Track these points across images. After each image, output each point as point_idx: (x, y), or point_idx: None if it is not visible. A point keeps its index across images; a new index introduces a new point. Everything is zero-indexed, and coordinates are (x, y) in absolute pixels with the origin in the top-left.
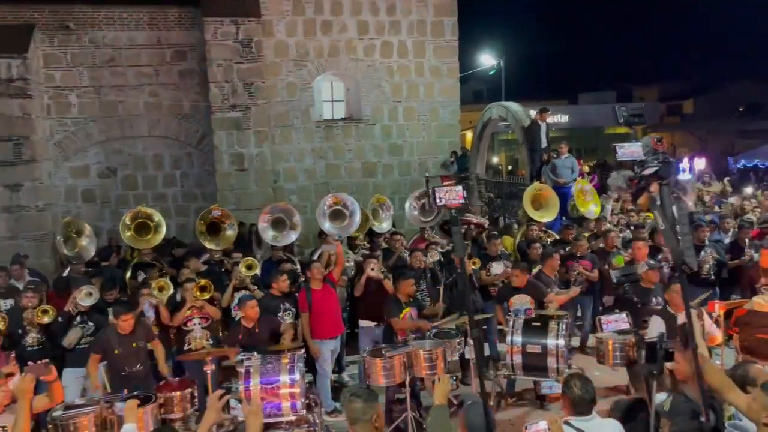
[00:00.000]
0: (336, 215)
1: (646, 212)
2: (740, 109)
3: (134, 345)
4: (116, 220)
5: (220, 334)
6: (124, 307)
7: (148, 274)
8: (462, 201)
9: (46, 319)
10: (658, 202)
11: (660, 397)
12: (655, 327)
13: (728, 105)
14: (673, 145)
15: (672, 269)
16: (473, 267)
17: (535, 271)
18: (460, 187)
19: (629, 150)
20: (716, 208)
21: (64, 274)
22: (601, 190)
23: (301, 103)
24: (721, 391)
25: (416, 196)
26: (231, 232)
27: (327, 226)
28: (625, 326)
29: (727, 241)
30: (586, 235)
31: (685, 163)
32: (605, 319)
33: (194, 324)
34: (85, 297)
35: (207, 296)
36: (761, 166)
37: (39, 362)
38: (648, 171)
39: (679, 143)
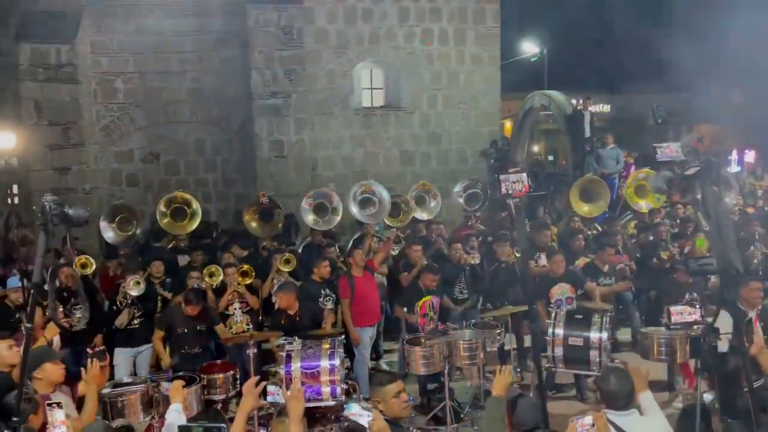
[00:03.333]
0: (365, 203)
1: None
2: None
3: (198, 328)
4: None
5: (260, 319)
6: (196, 297)
7: (191, 258)
8: (527, 191)
9: (135, 292)
10: (701, 204)
11: (708, 397)
12: (723, 323)
13: None
14: (719, 140)
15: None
16: (515, 256)
17: (579, 263)
18: (525, 176)
19: (668, 150)
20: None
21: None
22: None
23: (341, 91)
24: None
25: (464, 185)
26: (279, 221)
27: (356, 212)
28: (693, 318)
29: None
30: (631, 225)
31: (733, 156)
32: (675, 309)
33: (234, 309)
34: (133, 286)
35: (248, 281)
36: None
37: (97, 348)
38: (689, 172)
39: (728, 134)
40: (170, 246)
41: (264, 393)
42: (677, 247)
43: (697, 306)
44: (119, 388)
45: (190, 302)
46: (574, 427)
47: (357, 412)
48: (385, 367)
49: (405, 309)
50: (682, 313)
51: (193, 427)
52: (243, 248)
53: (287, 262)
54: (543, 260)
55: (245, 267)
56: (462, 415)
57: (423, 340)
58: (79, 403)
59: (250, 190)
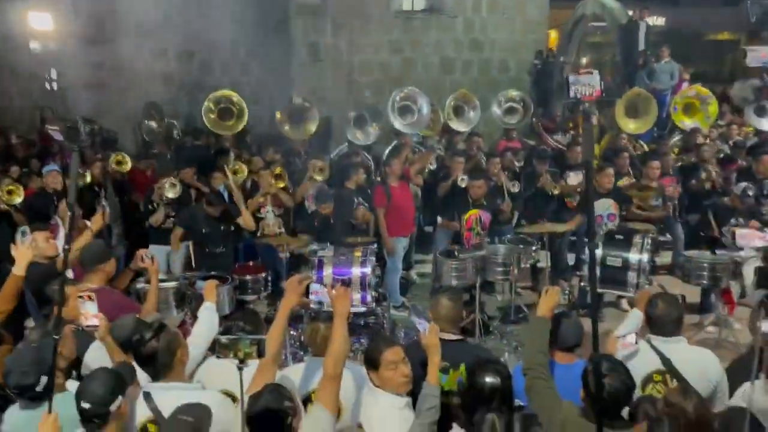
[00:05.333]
0: (404, 111)
1: (748, 127)
2: None
3: (221, 227)
4: (193, 105)
5: (292, 224)
6: (216, 199)
7: (225, 159)
8: (600, 95)
9: (171, 194)
10: None
11: (765, 326)
12: None
13: None
14: None
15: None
16: (553, 187)
17: (622, 183)
18: (598, 77)
19: (762, 54)
20: None
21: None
22: None
23: None
24: None
25: (506, 96)
26: (312, 124)
27: (397, 123)
28: (762, 243)
29: None
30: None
31: None
32: (741, 232)
33: (267, 211)
34: (169, 188)
35: (282, 185)
36: None
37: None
38: None
39: None
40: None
41: (307, 291)
42: (727, 171)
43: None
44: None
45: (210, 204)
46: (615, 344)
47: (417, 320)
48: (415, 277)
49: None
50: (748, 236)
51: (238, 340)
52: (277, 152)
53: (321, 170)
54: (572, 179)
55: (278, 170)
56: (490, 329)
57: (456, 253)
58: None
59: (285, 94)
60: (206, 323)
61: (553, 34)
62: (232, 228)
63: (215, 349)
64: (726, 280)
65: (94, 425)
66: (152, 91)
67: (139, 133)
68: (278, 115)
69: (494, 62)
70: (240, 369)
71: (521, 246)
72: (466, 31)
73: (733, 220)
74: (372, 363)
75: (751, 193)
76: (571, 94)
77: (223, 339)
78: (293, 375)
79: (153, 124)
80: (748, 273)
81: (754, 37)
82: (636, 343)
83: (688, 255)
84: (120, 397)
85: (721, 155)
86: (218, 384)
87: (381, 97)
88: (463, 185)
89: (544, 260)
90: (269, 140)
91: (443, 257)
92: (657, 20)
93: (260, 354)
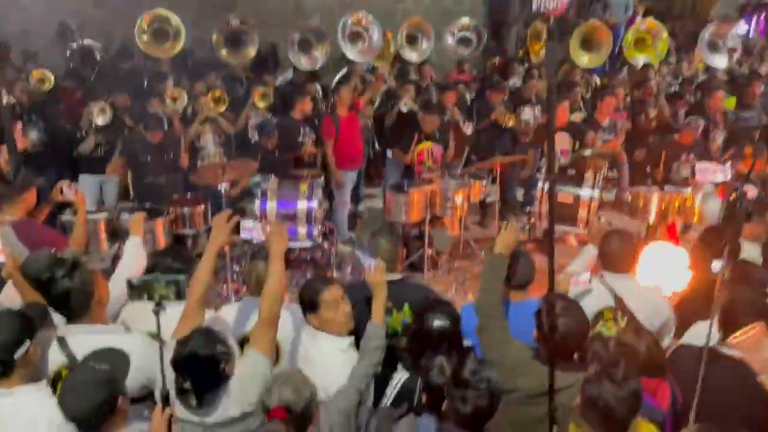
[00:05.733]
0: (355, 37)
1: (698, 63)
2: None
3: (162, 156)
4: (130, 26)
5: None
6: (154, 123)
7: (162, 84)
8: (565, 10)
9: (101, 120)
10: None
11: (716, 265)
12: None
13: None
14: None
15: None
16: (507, 120)
17: (575, 117)
18: None
19: None
20: None
21: None
22: None
23: None
24: None
25: (460, 26)
26: (251, 48)
27: (348, 50)
28: (722, 178)
29: None
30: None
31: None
32: (701, 166)
33: (207, 140)
34: (98, 114)
35: (222, 108)
36: None
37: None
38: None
39: None
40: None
41: (237, 228)
42: (675, 107)
43: (726, 165)
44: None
45: (148, 128)
46: (568, 281)
47: (362, 256)
48: (362, 210)
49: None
50: (706, 170)
51: (151, 282)
52: (218, 77)
53: (264, 96)
54: (527, 114)
55: (218, 93)
56: (439, 264)
57: (405, 188)
58: None
59: (227, 16)
60: (131, 259)
61: None
62: (173, 157)
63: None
64: (671, 216)
65: None
66: (82, 8)
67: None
68: (215, 37)
69: None
70: (156, 313)
71: (471, 180)
72: None
73: (684, 156)
74: (310, 305)
75: (699, 127)
76: (534, 7)
77: (135, 280)
78: (227, 316)
79: (74, 45)
80: (710, 207)
81: None
82: (590, 281)
83: (636, 191)
84: (27, 342)
85: (671, 91)
86: (144, 326)
87: (331, 23)
88: (405, 110)
89: (493, 195)
90: (210, 65)
91: (393, 192)
92: None
93: (179, 296)
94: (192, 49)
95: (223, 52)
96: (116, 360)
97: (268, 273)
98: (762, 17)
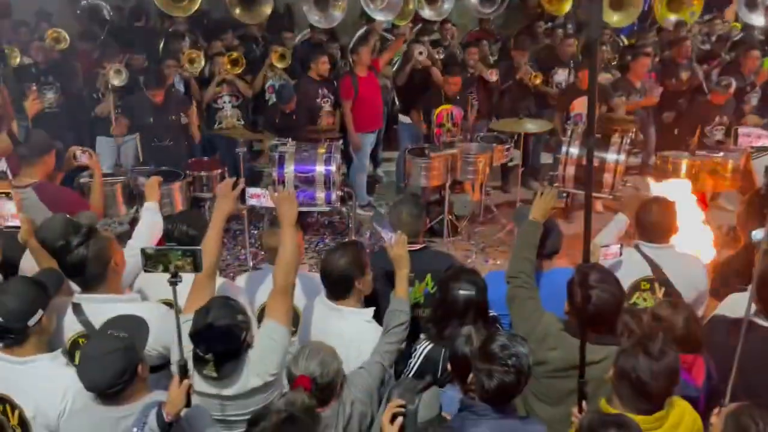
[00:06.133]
0: None
1: (733, 22)
2: None
3: (169, 118)
4: None
5: (251, 115)
6: (153, 81)
7: (178, 45)
8: None
9: (117, 81)
10: None
11: (757, 235)
12: None
13: None
14: None
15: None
16: (534, 80)
17: (608, 76)
18: None
19: None
20: None
21: None
22: None
23: None
24: None
25: None
26: (266, 6)
27: (368, 9)
28: (765, 141)
29: None
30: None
31: None
32: (744, 130)
33: (224, 102)
34: (114, 76)
35: (239, 71)
36: None
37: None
38: None
39: None
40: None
41: (243, 197)
42: (709, 66)
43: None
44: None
45: (149, 86)
46: (597, 252)
47: (382, 231)
48: (382, 175)
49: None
50: (750, 135)
51: (167, 252)
52: (235, 37)
53: (282, 57)
54: (560, 75)
55: (235, 55)
56: (459, 229)
57: (426, 152)
58: None
59: None
60: (146, 226)
61: None
62: (181, 119)
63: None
64: (702, 183)
65: (11, 341)
66: None
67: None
68: None
69: None
70: (172, 284)
71: (494, 144)
72: None
73: (717, 119)
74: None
75: (730, 87)
76: None
77: (149, 250)
78: (242, 285)
79: (84, 2)
80: (759, 170)
81: None
82: (621, 253)
83: (664, 155)
84: (40, 311)
85: (704, 50)
86: (160, 294)
87: None
88: (421, 58)
89: (516, 160)
90: (226, 25)
91: (413, 156)
92: None
93: (196, 267)
94: (207, 8)
95: (238, 11)
96: (136, 327)
97: (281, 241)
98: None
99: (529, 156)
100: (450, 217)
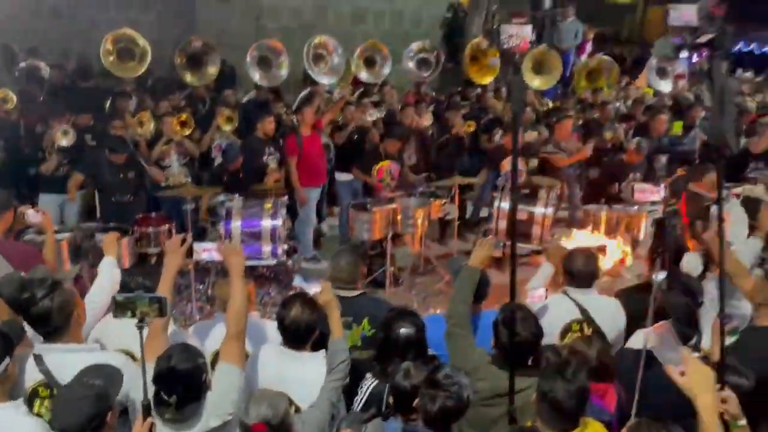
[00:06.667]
0: (318, 59)
1: (645, 88)
2: None
3: (129, 175)
4: (86, 44)
5: (198, 173)
6: (118, 145)
7: (125, 104)
8: (528, 47)
9: (64, 142)
10: (710, 74)
11: (660, 276)
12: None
13: None
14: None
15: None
16: (467, 129)
17: (528, 136)
18: (529, 29)
19: (683, 13)
20: None
21: None
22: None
23: None
24: (734, 275)
25: (418, 48)
26: (212, 68)
27: (312, 71)
28: (657, 198)
29: None
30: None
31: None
32: (638, 187)
33: (172, 160)
34: (62, 136)
35: (188, 131)
36: (756, 53)
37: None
38: (702, 39)
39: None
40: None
41: (190, 252)
42: (625, 128)
43: (661, 185)
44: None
45: (113, 151)
46: (528, 294)
47: (303, 283)
48: (326, 230)
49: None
50: (645, 191)
51: (135, 299)
52: (183, 97)
53: (229, 119)
54: (499, 136)
55: (184, 116)
56: (400, 280)
57: (368, 206)
58: None
59: (188, 36)
60: (106, 280)
61: None
62: (140, 176)
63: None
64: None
65: None
66: (39, 27)
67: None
68: (176, 59)
69: (407, 14)
70: (139, 328)
71: (432, 199)
72: None
73: (631, 176)
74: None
75: (644, 147)
76: (503, 44)
77: (119, 297)
78: (195, 332)
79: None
80: (642, 224)
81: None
82: (545, 296)
83: (587, 209)
84: (7, 359)
85: (621, 113)
86: (117, 344)
87: (291, 44)
88: (372, 119)
89: (452, 213)
90: (173, 84)
91: (356, 210)
92: None
93: (161, 313)
94: (152, 68)
95: (185, 73)
96: (110, 376)
97: (231, 290)
98: (700, 55)
99: (465, 210)
100: (392, 268)
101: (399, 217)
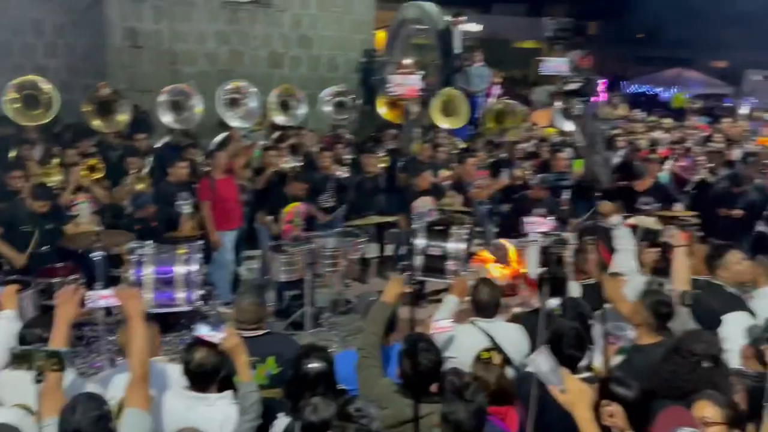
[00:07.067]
0: (233, 103)
1: (548, 127)
2: (639, 36)
3: (47, 226)
4: None
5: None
6: (44, 192)
7: (29, 152)
8: (418, 93)
9: None
10: (579, 119)
11: (553, 302)
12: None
13: (629, 30)
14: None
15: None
16: (381, 165)
17: (441, 175)
18: (417, 77)
19: (554, 65)
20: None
21: None
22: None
23: None
24: (614, 302)
25: (334, 92)
26: (122, 115)
27: (227, 116)
28: (547, 228)
29: (616, 160)
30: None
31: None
32: (528, 219)
33: (81, 208)
34: None
35: (97, 176)
36: (649, 92)
37: None
38: (571, 87)
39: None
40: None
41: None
42: (532, 165)
43: (550, 218)
44: None
45: (38, 198)
46: (434, 326)
47: (207, 332)
48: (244, 273)
49: (270, 216)
50: (535, 223)
51: (33, 352)
52: (92, 144)
53: (141, 180)
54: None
55: (93, 161)
56: (320, 321)
57: (286, 248)
58: None
59: (99, 81)
60: (4, 334)
61: (381, 35)
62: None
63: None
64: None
65: None
66: None
67: None
68: (85, 106)
69: (323, 59)
70: (38, 382)
71: (349, 238)
72: (294, 27)
73: (534, 210)
74: None
75: (547, 183)
76: (391, 90)
77: (17, 350)
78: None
79: None
80: (531, 254)
81: (552, 47)
82: (451, 326)
83: (496, 243)
84: None
85: (528, 150)
86: (13, 398)
87: (207, 89)
88: (288, 167)
89: (372, 252)
90: (83, 131)
91: (273, 252)
92: (474, 27)
93: (60, 366)
94: (59, 115)
95: (94, 120)
96: None
97: (130, 335)
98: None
99: (383, 248)
100: (311, 309)
101: (317, 258)
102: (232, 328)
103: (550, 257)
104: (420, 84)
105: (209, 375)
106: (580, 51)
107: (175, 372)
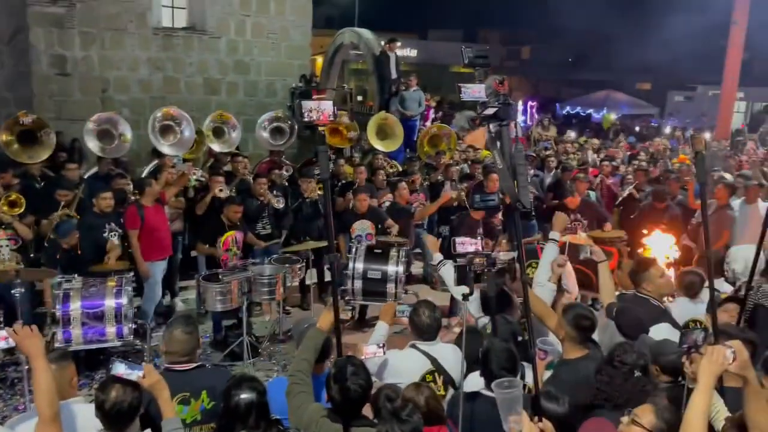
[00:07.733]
0: (166, 131)
1: (483, 149)
2: (569, 60)
3: None
4: None
5: (32, 256)
6: None
7: None
8: (330, 119)
9: None
10: (497, 142)
11: (483, 321)
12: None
13: (560, 55)
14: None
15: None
16: (319, 192)
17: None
18: (330, 104)
19: (473, 90)
20: (545, 150)
21: None
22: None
23: (137, 6)
24: (541, 317)
25: (271, 117)
26: (48, 144)
27: (159, 144)
28: (474, 248)
29: (549, 180)
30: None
31: (519, 106)
32: (458, 240)
33: (1, 245)
34: None
35: (18, 212)
36: (582, 114)
37: None
38: (488, 112)
39: (515, 87)
40: None
41: None
42: (466, 187)
43: (479, 238)
44: None
45: None
46: (364, 351)
47: (124, 371)
48: (180, 305)
49: (207, 245)
50: (464, 243)
51: None
52: (15, 176)
53: (68, 216)
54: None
55: (13, 196)
56: (260, 350)
57: (220, 276)
58: None
59: (25, 110)
60: None
61: (319, 60)
62: None
63: None
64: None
65: None
66: None
67: None
68: (3, 136)
69: (261, 85)
70: None
71: (287, 264)
72: (231, 53)
73: (474, 231)
74: None
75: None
76: (305, 117)
77: None
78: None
79: None
80: (447, 272)
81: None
82: (381, 351)
83: (434, 264)
84: None
85: (464, 172)
86: None
87: (141, 116)
88: (223, 196)
89: (313, 277)
90: (6, 162)
91: (206, 282)
92: (410, 52)
93: None
94: None
95: (14, 148)
96: None
97: (34, 375)
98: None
99: (323, 273)
100: (249, 338)
101: (254, 286)
102: (150, 366)
103: (467, 276)
104: (332, 110)
105: (126, 415)
106: (497, 77)
107: (92, 413)
